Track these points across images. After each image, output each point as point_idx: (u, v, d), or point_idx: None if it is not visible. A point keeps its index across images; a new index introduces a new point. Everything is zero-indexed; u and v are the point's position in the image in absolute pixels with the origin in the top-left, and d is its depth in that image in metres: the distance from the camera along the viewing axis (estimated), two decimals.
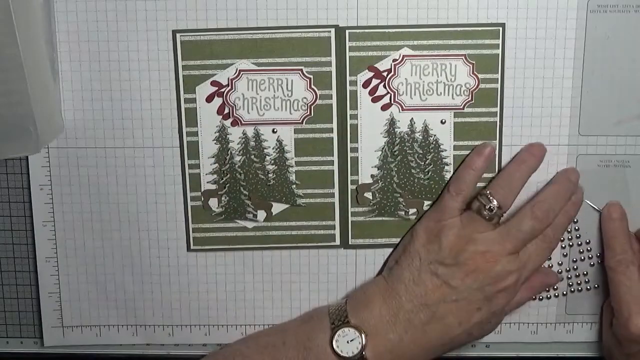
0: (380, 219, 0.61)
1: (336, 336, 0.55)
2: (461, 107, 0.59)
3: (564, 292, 0.62)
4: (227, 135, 0.60)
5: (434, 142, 0.60)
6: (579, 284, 0.62)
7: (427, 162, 0.60)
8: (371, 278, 0.61)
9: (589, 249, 0.61)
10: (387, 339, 0.55)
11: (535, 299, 0.62)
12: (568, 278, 0.62)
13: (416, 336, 0.56)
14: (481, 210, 0.56)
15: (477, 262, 0.55)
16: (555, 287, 0.62)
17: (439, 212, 0.58)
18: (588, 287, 0.62)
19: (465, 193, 0.57)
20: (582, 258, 0.62)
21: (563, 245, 0.61)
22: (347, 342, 0.55)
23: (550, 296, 0.62)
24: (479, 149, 0.59)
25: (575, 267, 0.62)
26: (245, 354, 0.57)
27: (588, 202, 0.60)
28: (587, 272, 0.62)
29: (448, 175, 0.60)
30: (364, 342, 0.55)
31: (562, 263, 0.62)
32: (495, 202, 0.56)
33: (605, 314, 0.61)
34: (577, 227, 0.61)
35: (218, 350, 0.61)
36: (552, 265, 0.62)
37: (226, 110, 0.60)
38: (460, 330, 0.56)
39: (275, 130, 0.60)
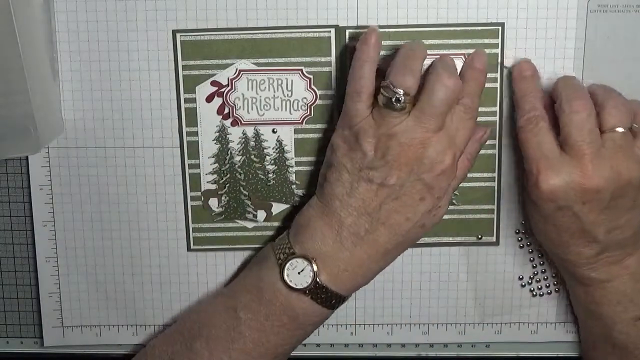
0: None
1: (286, 270, 0.54)
2: None
3: (565, 287, 0.62)
4: (227, 135, 0.60)
5: None
6: None
7: None
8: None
9: None
10: (337, 258, 0.54)
11: (535, 295, 0.62)
12: None
13: (367, 246, 0.54)
14: (389, 104, 0.53)
15: (406, 154, 0.52)
16: (555, 282, 0.62)
17: (348, 118, 0.55)
18: None
19: (366, 90, 0.54)
20: None
21: None
22: (298, 273, 0.54)
23: (551, 291, 0.62)
24: (364, 39, 0.55)
25: None
26: (204, 320, 0.57)
27: (506, 66, 0.58)
28: None
29: None
30: (315, 269, 0.54)
31: None
32: (400, 90, 0.52)
33: (522, 179, 0.59)
34: None
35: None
36: (551, 261, 0.62)
37: (226, 110, 0.60)
38: (410, 225, 0.54)
39: (275, 130, 0.60)
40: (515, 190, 0.61)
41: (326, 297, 0.55)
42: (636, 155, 0.53)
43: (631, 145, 0.53)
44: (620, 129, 0.53)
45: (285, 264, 0.54)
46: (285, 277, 0.54)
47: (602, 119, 0.53)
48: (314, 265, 0.54)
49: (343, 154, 0.55)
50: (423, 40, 0.58)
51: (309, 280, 0.54)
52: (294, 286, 0.54)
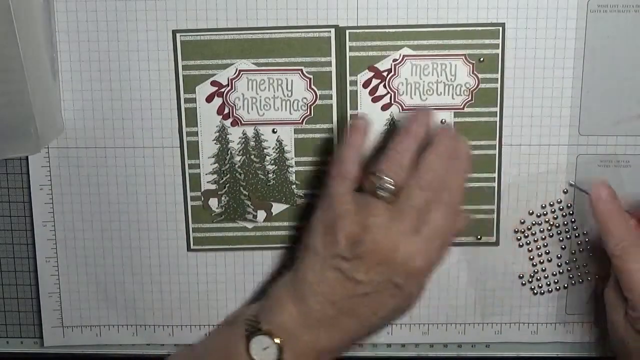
0: None
1: (251, 344, 0.53)
2: (461, 107, 0.59)
3: (565, 285, 0.62)
4: (227, 135, 0.60)
5: None
6: (579, 276, 0.62)
7: None
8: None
9: (587, 239, 0.61)
10: (303, 341, 0.53)
11: (536, 294, 0.62)
12: (568, 270, 0.62)
13: (332, 332, 0.53)
14: (375, 191, 0.52)
15: (379, 253, 0.51)
16: (555, 280, 0.62)
17: (329, 200, 0.53)
18: (589, 278, 0.62)
19: (350, 175, 0.53)
20: (581, 249, 0.62)
21: (561, 238, 0.61)
22: (263, 349, 0.53)
23: (552, 290, 0.62)
24: (354, 124, 0.55)
25: (574, 259, 0.62)
26: None
27: (578, 186, 0.59)
28: (586, 264, 0.62)
29: None
30: (279, 349, 0.53)
31: (560, 256, 0.62)
32: (388, 179, 0.52)
33: (611, 307, 0.57)
34: (573, 220, 0.61)
35: None
36: (551, 260, 0.62)
37: (226, 110, 0.60)
38: (377, 319, 0.53)
39: (275, 130, 0.60)
40: (515, 190, 0.61)
41: None
42: None
43: None
44: None
45: (252, 337, 0.53)
46: (251, 351, 0.53)
47: None
48: (279, 344, 0.53)
49: (318, 238, 0.53)
50: (423, 41, 0.58)
51: (274, 358, 0.53)
52: None
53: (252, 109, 0.59)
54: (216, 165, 0.61)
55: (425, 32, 0.58)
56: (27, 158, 0.61)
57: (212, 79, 0.59)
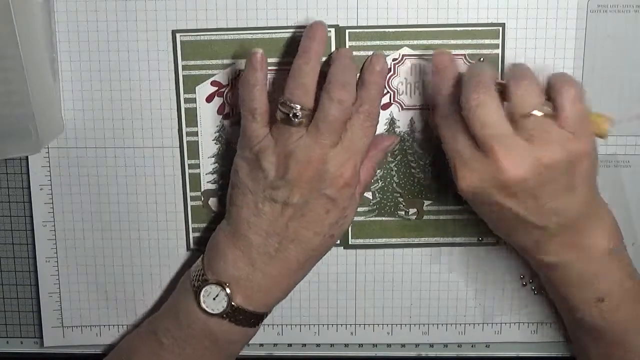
0: (380, 218, 0.61)
1: (201, 297, 0.54)
2: None
3: None
4: (227, 135, 0.60)
5: (434, 142, 0.60)
6: None
7: (427, 162, 0.60)
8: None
9: None
10: (250, 280, 0.54)
11: (536, 294, 0.62)
12: None
13: (279, 265, 0.54)
14: (287, 120, 0.53)
15: (306, 172, 0.52)
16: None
17: (247, 139, 0.55)
18: None
19: (260, 110, 0.54)
20: None
21: None
22: (213, 299, 0.54)
23: None
24: (250, 62, 0.54)
25: None
26: (129, 346, 0.59)
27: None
28: None
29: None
30: (228, 293, 0.54)
31: None
32: (297, 106, 0.52)
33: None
34: None
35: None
36: None
37: (226, 110, 0.60)
38: (320, 238, 0.55)
39: None
40: None
41: (244, 318, 0.55)
42: (557, 137, 0.49)
43: (549, 128, 0.50)
44: (536, 112, 0.50)
45: (200, 290, 0.55)
46: (202, 304, 0.54)
47: (512, 106, 0.50)
48: (227, 289, 0.54)
49: (245, 174, 0.55)
50: (423, 41, 0.58)
51: (225, 305, 0.54)
52: (211, 311, 0.54)
53: None
54: (216, 165, 0.61)
55: (425, 32, 0.58)
56: (27, 158, 0.61)
57: (212, 79, 0.59)
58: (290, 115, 0.53)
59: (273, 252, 0.54)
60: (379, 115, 0.56)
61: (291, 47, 0.58)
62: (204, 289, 0.55)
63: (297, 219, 0.54)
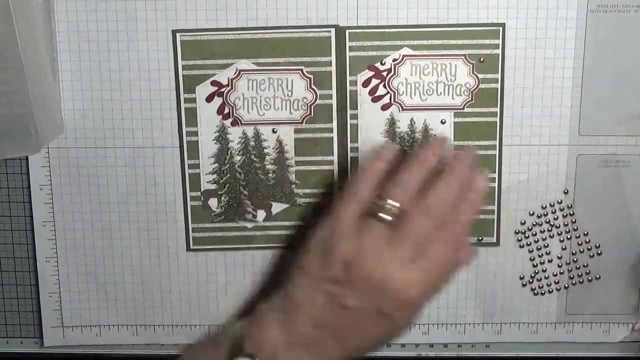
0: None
1: None
2: (461, 107, 0.59)
3: (566, 285, 0.62)
4: (227, 135, 0.60)
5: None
6: (579, 276, 0.62)
7: None
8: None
9: (587, 240, 0.61)
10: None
11: (536, 294, 0.62)
12: (569, 271, 0.62)
13: (315, 355, 0.51)
14: (377, 213, 0.51)
15: (370, 280, 0.49)
16: (555, 281, 0.61)
17: (331, 221, 0.52)
18: (589, 279, 0.62)
19: (359, 198, 0.52)
20: (582, 250, 0.62)
21: (561, 239, 0.61)
22: None
23: (552, 290, 0.62)
24: (379, 152, 0.54)
25: (575, 259, 0.62)
26: None
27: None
28: (587, 264, 0.62)
29: None
30: None
31: (561, 256, 0.62)
32: (392, 202, 0.51)
33: None
34: (574, 220, 0.61)
35: None
36: (551, 260, 0.62)
37: (226, 110, 0.60)
38: (362, 345, 0.52)
39: (275, 130, 0.60)
40: (516, 190, 0.61)
41: None
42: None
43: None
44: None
45: (234, 358, 0.52)
46: None
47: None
48: None
49: (313, 256, 0.52)
50: (423, 41, 0.58)
51: None
52: None
53: (252, 109, 0.59)
54: (216, 165, 0.61)
55: (425, 32, 0.58)
56: (27, 158, 0.61)
57: (212, 79, 0.59)
58: (383, 209, 0.51)
59: (313, 343, 0.51)
60: (465, 243, 0.53)
61: (291, 47, 0.58)
62: (236, 359, 0.51)
63: (347, 322, 0.51)
